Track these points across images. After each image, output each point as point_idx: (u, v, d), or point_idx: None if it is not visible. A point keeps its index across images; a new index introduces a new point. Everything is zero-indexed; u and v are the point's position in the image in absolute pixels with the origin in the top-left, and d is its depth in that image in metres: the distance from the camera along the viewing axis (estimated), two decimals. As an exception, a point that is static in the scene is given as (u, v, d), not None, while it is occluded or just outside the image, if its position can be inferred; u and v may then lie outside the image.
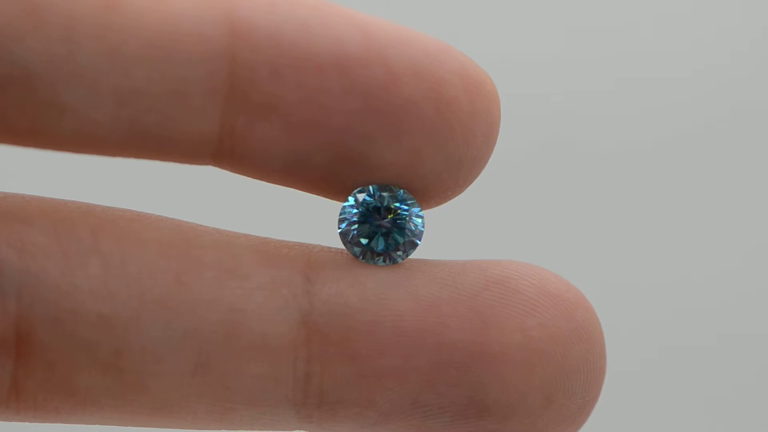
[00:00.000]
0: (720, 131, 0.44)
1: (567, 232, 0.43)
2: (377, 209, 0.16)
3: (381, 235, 0.16)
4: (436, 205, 0.17)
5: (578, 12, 0.44)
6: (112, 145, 0.15)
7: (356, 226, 0.16)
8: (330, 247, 0.17)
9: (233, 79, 0.15)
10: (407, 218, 0.16)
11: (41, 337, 0.16)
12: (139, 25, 0.15)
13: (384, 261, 0.16)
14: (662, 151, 0.44)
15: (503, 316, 0.16)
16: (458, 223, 0.36)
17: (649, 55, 0.44)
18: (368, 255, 0.16)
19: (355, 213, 0.16)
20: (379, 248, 0.16)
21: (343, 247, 0.17)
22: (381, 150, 0.16)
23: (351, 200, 0.16)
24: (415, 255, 0.17)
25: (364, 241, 0.16)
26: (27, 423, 0.16)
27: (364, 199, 0.16)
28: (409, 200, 0.16)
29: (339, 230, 0.17)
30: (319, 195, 0.17)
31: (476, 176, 0.16)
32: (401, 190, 0.16)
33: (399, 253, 0.16)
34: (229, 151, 0.16)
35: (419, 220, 0.17)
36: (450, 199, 0.17)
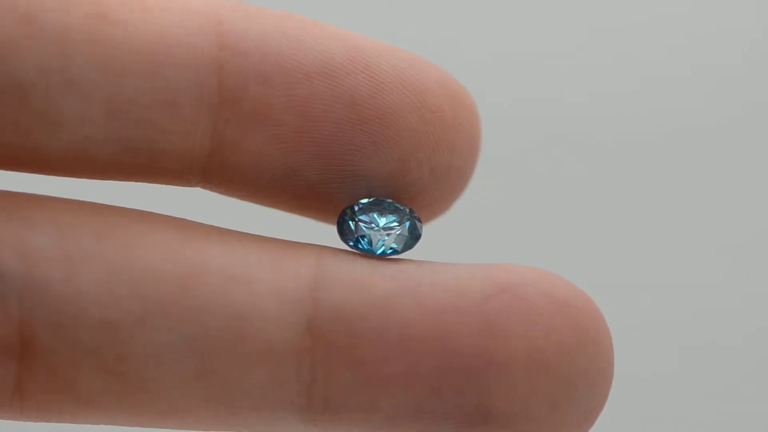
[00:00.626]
0: (721, 130, 0.44)
1: (576, 233, 0.42)
2: (368, 230, 0.17)
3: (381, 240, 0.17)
4: (425, 221, 0.17)
5: (576, 9, 0.43)
6: (104, 162, 0.16)
7: (355, 234, 0.17)
8: (337, 248, 0.17)
9: (222, 89, 0.15)
10: (403, 216, 0.16)
11: (44, 342, 0.15)
12: (130, 37, 0.15)
13: (387, 250, 0.16)
14: (671, 152, 0.43)
15: (509, 324, 0.16)
16: (465, 225, 0.36)
17: (649, 53, 0.44)
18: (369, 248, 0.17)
19: (351, 230, 0.17)
20: (379, 243, 0.16)
21: (347, 248, 0.17)
22: (368, 159, 0.16)
23: (342, 225, 0.16)
24: (420, 257, 0.17)
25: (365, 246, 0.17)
26: (31, 423, 0.16)
27: (355, 221, 0.16)
28: (399, 206, 0.16)
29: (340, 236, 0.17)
30: (308, 215, 0.17)
31: (462, 190, 0.17)
32: (389, 200, 0.16)
33: (396, 236, 0.16)
34: (219, 165, 0.16)
35: (416, 216, 0.17)
36: (438, 215, 0.17)
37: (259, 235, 0.17)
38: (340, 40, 0.16)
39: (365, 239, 0.16)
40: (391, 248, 0.17)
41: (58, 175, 0.16)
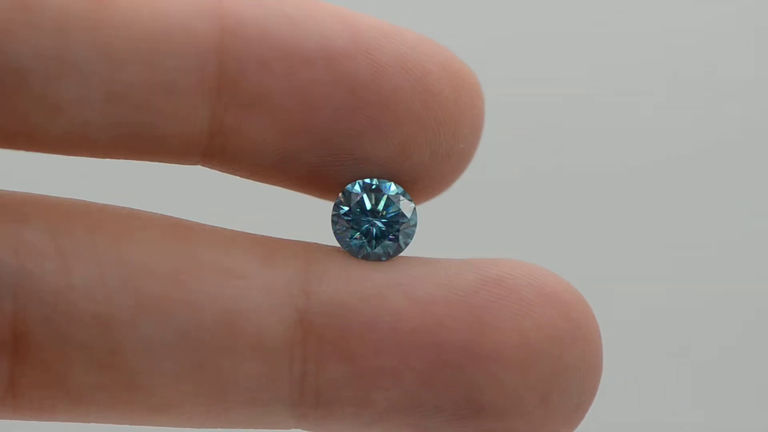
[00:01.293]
0: (720, 129, 0.44)
1: (565, 229, 0.42)
2: (368, 205, 0.16)
3: (374, 230, 0.16)
4: (425, 200, 0.17)
5: (576, 9, 0.44)
6: (104, 145, 0.15)
7: (349, 224, 0.16)
8: (327, 246, 0.17)
9: (222, 74, 0.15)
10: (399, 212, 0.16)
11: (37, 337, 0.15)
12: (130, 21, 0.15)
13: (381, 255, 0.16)
14: (661, 148, 0.44)
15: (500, 317, 0.16)
16: (455, 221, 0.36)
17: (648, 53, 0.44)
18: (363, 251, 0.16)
19: (347, 211, 0.16)
20: (373, 244, 0.16)
21: (339, 245, 0.17)
22: (369, 144, 0.16)
23: (341, 198, 0.16)
24: (411, 252, 0.17)
25: (357, 240, 0.16)
26: (25, 422, 0.16)
27: (354, 196, 0.16)
28: (399, 192, 0.16)
29: (333, 228, 0.17)
30: (308, 193, 0.17)
31: (463, 170, 0.17)
32: (390, 183, 0.16)
33: (391, 244, 0.16)
34: (219, 148, 0.16)
35: (411, 212, 0.17)
36: (438, 193, 0.17)
37: (249, 233, 0.17)
38: (342, 21, 0.16)
39: (356, 252, 0.17)
40: (383, 258, 0.17)
41: (58, 154, 0.16)
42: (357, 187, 0.16)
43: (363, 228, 0.16)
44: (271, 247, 0.16)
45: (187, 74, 0.15)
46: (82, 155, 0.16)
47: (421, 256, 0.17)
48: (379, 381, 0.16)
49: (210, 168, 0.16)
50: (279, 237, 0.17)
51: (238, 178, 0.17)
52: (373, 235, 0.16)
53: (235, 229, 0.17)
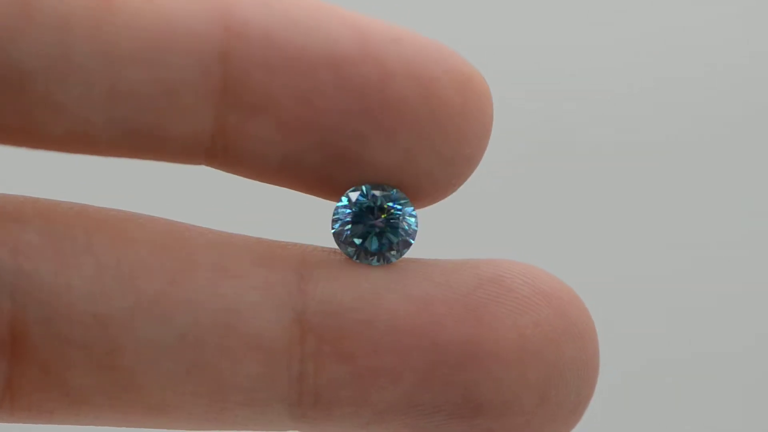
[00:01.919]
0: (720, 130, 0.44)
1: (560, 230, 0.43)
2: (370, 209, 0.16)
3: (374, 234, 0.16)
4: (429, 204, 0.17)
5: (577, 9, 0.44)
6: (106, 145, 0.15)
7: (349, 226, 0.16)
8: (324, 247, 0.17)
9: (227, 78, 0.15)
10: (400, 218, 0.16)
11: (35, 338, 0.15)
12: (134, 24, 0.15)
13: (378, 261, 0.16)
14: (655, 147, 0.44)
15: (497, 315, 0.16)
16: (452, 222, 0.36)
17: (647, 52, 0.44)
18: (362, 255, 0.16)
19: (348, 213, 0.16)
20: (372, 248, 0.16)
21: (337, 247, 0.17)
22: (374, 149, 0.16)
23: (344, 200, 0.16)
24: (409, 254, 0.17)
25: (357, 241, 0.16)
26: (23, 425, 0.16)
27: (357, 199, 0.16)
28: (402, 200, 0.16)
29: (332, 230, 0.17)
30: (312, 194, 0.17)
31: (469, 175, 0.16)
32: (394, 190, 0.16)
33: (393, 252, 0.17)
34: (222, 150, 0.16)
35: (412, 220, 0.17)
36: (443, 198, 0.17)
37: (246, 235, 0.17)
38: (350, 26, 0.15)
39: (356, 259, 0.17)
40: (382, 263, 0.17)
41: (61, 152, 0.15)
42: (359, 192, 0.16)
43: (362, 232, 0.17)
44: (267, 248, 0.16)
45: (190, 75, 0.15)
46: (84, 154, 0.16)
47: (418, 257, 0.17)
48: (377, 381, 0.16)
49: (214, 168, 0.16)
50: (276, 239, 0.17)
51: (242, 178, 0.16)
52: (372, 239, 0.16)
53: (237, 228, 0.17)
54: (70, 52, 0.15)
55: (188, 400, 0.16)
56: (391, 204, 0.16)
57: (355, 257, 0.16)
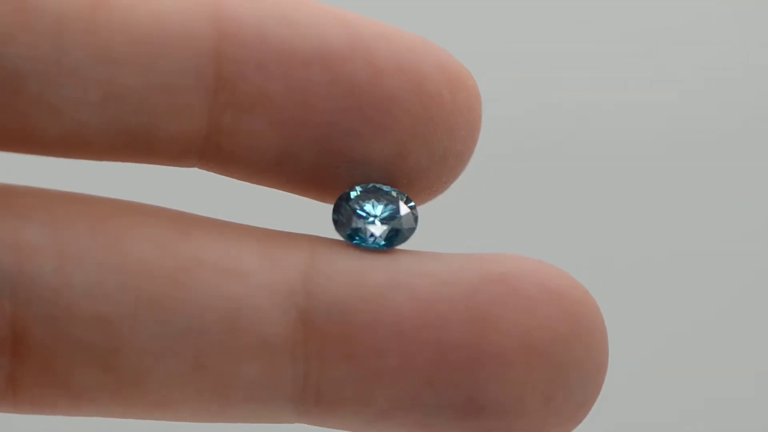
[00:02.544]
0: (720, 131, 0.44)
1: (574, 224, 0.42)
2: (376, 188, 0.16)
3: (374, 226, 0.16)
4: (422, 203, 0.17)
5: (580, 9, 0.43)
6: (100, 148, 0.15)
7: (350, 220, 0.16)
8: (331, 241, 0.17)
9: (220, 75, 0.15)
10: (398, 208, 0.16)
11: (37, 336, 0.15)
12: (127, 23, 0.15)
13: (381, 237, 0.16)
14: (662, 141, 0.43)
15: (502, 316, 0.16)
16: (461, 214, 0.35)
17: (647, 52, 0.43)
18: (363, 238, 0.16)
19: (348, 208, 0.16)
20: (377, 212, 0.16)
21: (341, 239, 0.17)
22: (366, 145, 0.16)
23: (341, 199, 0.16)
24: (415, 246, 0.17)
25: (361, 207, 0.16)
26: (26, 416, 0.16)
27: (354, 200, 0.16)
28: (399, 193, 0.16)
29: (336, 227, 0.16)
30: (305, 196, 0.17)
31: (460, 172, 0.17)
32: (387, 187, 0.16)
33: (397, 219, 0.16)
34: (215, 149, 0.16)
35: (412, 206, 0.16)
36: (436, 195, 0.17)
37: (251, 226, 0.17)
38: (340, 24, 0.16)
39: (359, 232, 0.16)
40: (385, 241, 0.16)
41: (55, 156, 0.16)
42: (356, 191, 0.16)
43: (364, 223, 0.16)
44: (273, 243, 0.16)
45: (184, 76, 0.15)
46: (79, 157, 0.16)
47: (424, 251, 0.17)
48: (381, 380, 0.16)
49: (207, 170, 0.16)
50: (283, 222, 0.17)
51: (235, 180, 0.16)
52: (375, 205, 0.16)
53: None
54: (64, 54, 0.15)
55: (191, 398, 0.16)
56: (388, 198, 0.16)
57: (356, 241, 0.16)
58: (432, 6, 0.42)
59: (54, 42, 0.14)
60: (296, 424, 0.17)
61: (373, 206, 0.16)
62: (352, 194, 0.16)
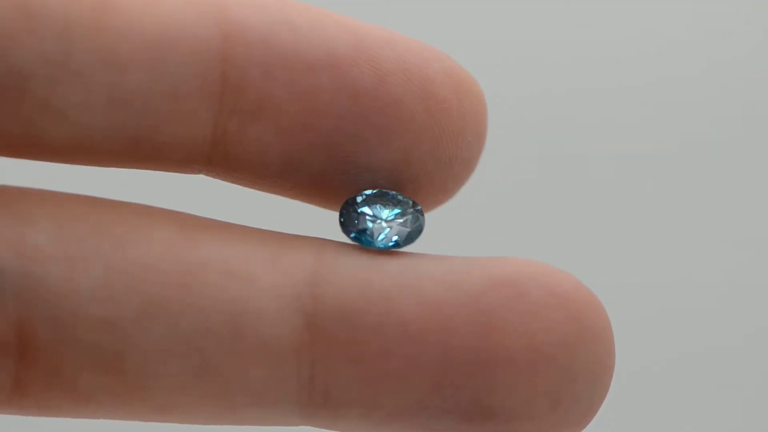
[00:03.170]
0: (721, 132, 0.44)
1: (580, 227, 0.42)
2: (382, 193, 0.16)
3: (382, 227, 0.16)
4: (429, 209, 0.17)
5: (576, 12, 0.43)
6: (106, 153, 0.15)
7: (357, 224, 0.16)
8: (337, 243, 0.17)
9: (226, 81, 0.15)
10: (406, 210, 0.16)
11: (43, 339, 0.15)
12: (133, 28, 0.15)
13: (388, 238, 0.16)
14: (669, 146, 0.43)
15: (509, 320, 0.16)
16: (467, 217, 0.35)
17: (648, 54, 0.43)
18: (369, 239, 0.16)
19: (355, 213, 0.16)
20: (383, 215, 0.16)
21: (348, 240, 0.17)
22: (372, 151, 0.16)
23: (347, 204, 0.16)
24: (422, 249, 0.17)
25: (367, 210, 0.16)
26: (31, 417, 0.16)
27: (361, 204, 0.16)
28: (403, 198, 0.16)
29: (343, 230, 0.16)
30: (311, 203, 0.17)
31: (467, 178, 0.17)
32: (393, 192, 0.16)
33: (402, 221, 0.16)
34: (222, 154, 0.16)
35: (418, 208, 0.16)
36: (442, 203, 0.17)
37: (258, 229, 0.17)
38: (346, 29, 0.16)
39: (367, 232, 0.16)
40: (392, 242, 0.16)
41: (61, 162, 0.16)
42: (363, 197, 0.16)
43: (371, 224, 0.16)
44: (279, 245, 0.16)
45: (190, 82, 0.15)
46: (85, 163, 0.16)
47: (430, 254, 0.17)
48: (388, 384, 0.16)
49: (213, 177, 0.16)
50: (289, 227, 0.17)
51: (240, 187, 0.16)
52: (381, 209, 0.16)
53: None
54: (70, 58, 0.15)
55: (197, 401, 0.16)
56: (395, 202, 0.16)
57: (362, 240, 0.16)
58: (436, 11, 0.42)
59: (59, 45, 0.14)
60: (302, 427, 0.17)
61: (380, 209, 0.16)
62: (359, 198, 0.16)
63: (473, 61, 0.17)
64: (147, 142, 0.15)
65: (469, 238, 0.35)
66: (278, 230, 0.16)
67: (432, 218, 0.17)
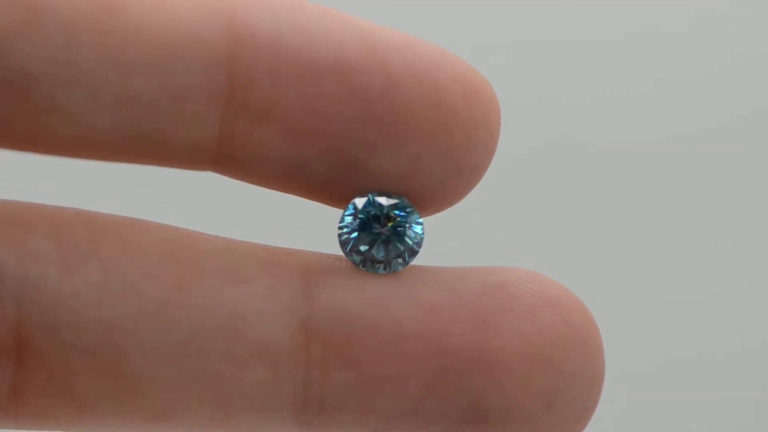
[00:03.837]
0: (722, 133, 0.44)
1: (565, 238, 0.43)
2: (376, 217, 0.16)
3: (381, 242, 0.16)
4: (435, 212, 0.17)
5: (581, 14, 0.44)
6: (111, 150, 0.15)
7: (356, 234, 0.16)
8: (330, 255, 0.17)
9: (233, 84, 0.15)
10: (407, 226, 0.16)
11: (41, 343, 0.15)
12: (140, 30, 0.15)
13: (384, 269, 0.16)
14: (661, 156, 0.44)
15: (502, 322, 0.16)
16: (457, 230, 0.36)
17: (649, 56, 0.44)
18: (368, 263, 0.16)
19: (355, 221, 0.16)
20: (379, 256, 0.16)
21: (343, 254, 0.17)
22: (380, 156, 0.16)
23: (350, 208, 0.16)
24: (415, 262, 0.17)
25: (363, 248, 0.16)
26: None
27: (363, 207, 0.16)
28: (408, 207, 0.16)
29: (339, 238, 0.17)
30: (318, 201, 0.17)
31: (476, 184, 0.16)
32: (400, 198, 0.16)
33: (399, 260, 0.16)
34: (229, 156, 0.16)
35: (419, 228, 0.17)
36: (449, 206, 0.17)
37: (251, 242, 0.17)
38: (356, 33, 0.15)
39: (362, 267, 0.17)
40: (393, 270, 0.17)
41: (66, 157, 0.16)
42: (365, 200, 0.16)
43: (369, 240, 0.16)
44: (273, 255, 0.16)
45: (196, 84, 0.15)
46: (89, 159, 0.16)
47: (423, 265, 0.17)
48: (382, 387, 0.16)
49: (221, 174, 0.16)
50: (282, 246, 0.17)
51: (248, 184, 0.16)
52: (378, 247, 0.16)
53: (244, 235, 0.17)
54: (76, 58, 0.15)
55: (193, 406, 0.16)
56: (397, 212, 0.16)
57: (361, 265, 0.16)
58: (449, 10, 0.42)
59: (65, 46, 0.14)
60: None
61: (377, 251, 0.16)
62: (352, 241, 0.16)
63: (473, 61, 0.17)
64: (153, 141, 0.15)
65: (462, 249, 0.35)
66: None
67: (427, 230, 0.17)
